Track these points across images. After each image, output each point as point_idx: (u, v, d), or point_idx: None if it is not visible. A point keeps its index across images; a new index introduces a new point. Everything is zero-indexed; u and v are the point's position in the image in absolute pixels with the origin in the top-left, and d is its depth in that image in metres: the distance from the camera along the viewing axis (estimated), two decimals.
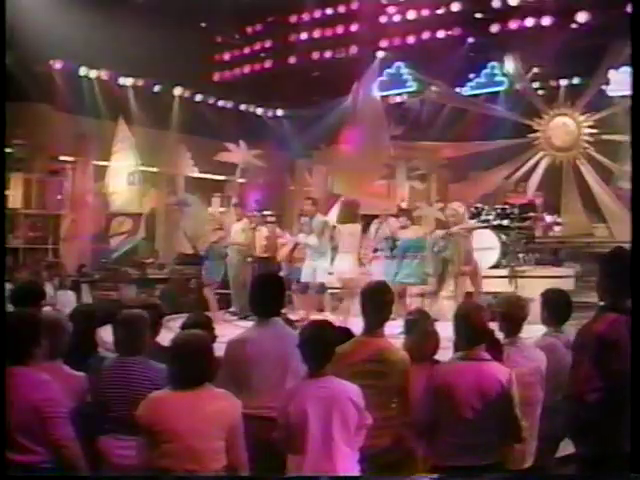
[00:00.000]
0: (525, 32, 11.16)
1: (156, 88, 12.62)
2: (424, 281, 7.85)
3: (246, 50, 13.41)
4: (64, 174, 11.58)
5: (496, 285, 8.24)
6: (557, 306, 3.93)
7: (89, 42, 10.16)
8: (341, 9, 12.26)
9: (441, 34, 11.85)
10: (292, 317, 6.57)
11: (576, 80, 12.55)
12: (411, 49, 12.32)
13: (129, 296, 9.93)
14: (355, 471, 2.99)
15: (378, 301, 3.46)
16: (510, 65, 12.61)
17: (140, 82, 12.32)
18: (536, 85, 12.96)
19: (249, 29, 13.37)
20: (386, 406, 3.28)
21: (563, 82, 12.69)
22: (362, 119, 13.03)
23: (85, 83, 11.65)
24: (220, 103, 13.80)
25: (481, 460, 3.09)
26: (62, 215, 11.39)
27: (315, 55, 12.84)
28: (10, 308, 3.89)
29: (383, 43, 12.67)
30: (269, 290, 3.51)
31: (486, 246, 9.07)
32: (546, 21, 10.94)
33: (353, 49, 12.66)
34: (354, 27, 12.42)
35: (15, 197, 10.91)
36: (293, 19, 12.87)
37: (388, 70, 13.32)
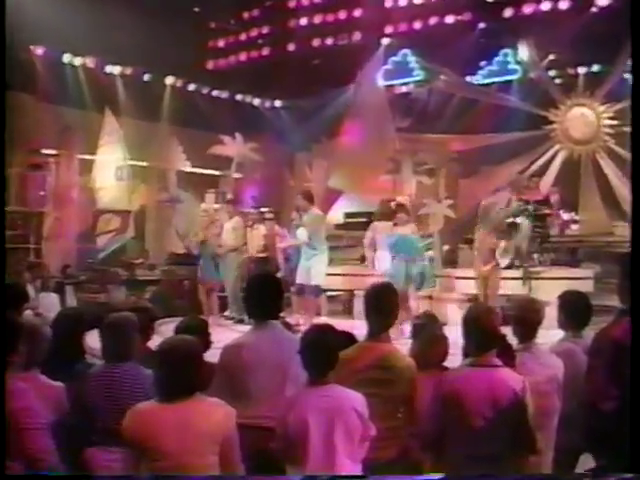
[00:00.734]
0: (541, 16, 11.16)
1: (146, 77, 12.64)
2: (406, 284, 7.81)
3: (242, 37, 13.44)
4: (47, 168, 11.59)
5: (509, 287, 8.25)
6: (575, 310, 3.94)
7: (73, 26, 10.15)
8: None
9: (450, 19, 11.87)
10: (291, 321, 6.60)
11: (596, 67, 12.54)
12: (418, 35, 12.33)
13: (117, 299, 9.96)
14: None
15: (383, 304, 3.48)
16: (524, 52, 12.60)
17: (128, 70, 12.33)
18: (552, 73, 12.92)
19: (245, 14, 13.41)
20: (392, 416, 3.29)
21: (581, 70, 12.67)
22: (365, 110, 13.04)
23: (69, 71, 11.65)
24: (214, 93, 13.82)
25: (492, 473, 3.11)
26: (45, 212, 11.40)
27: (316, 42, 12.87)
28: None
29: (388, 29, 12.69)
30: (266, 292, 3.51)
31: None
32: (563, 4, 10.94)
33: (356, 35, 12.68)
34: (357, 12, 12.44)
35: None
36: (292, 3, 12.90)
37: (393, 58, 13.33)
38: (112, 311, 3.75)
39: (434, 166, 13.82)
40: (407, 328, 4.20)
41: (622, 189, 11.96)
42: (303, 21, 12.72)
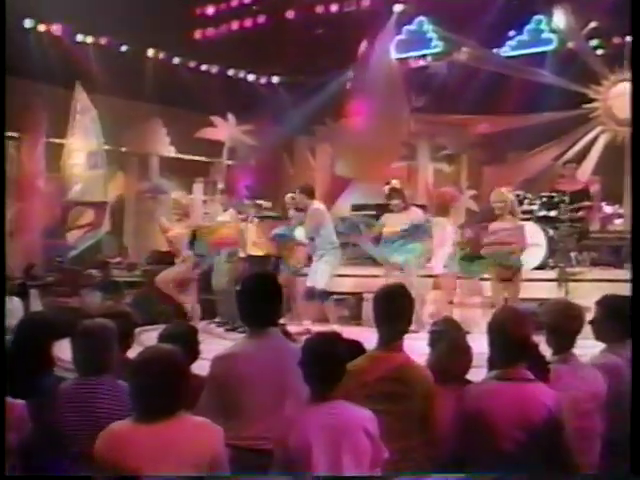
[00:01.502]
0: None
1: (123, 48, 12.66)
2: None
3: (234, 2, 13.44)
4: (7, 154, 11.64)
5: (542, 290, 8.27)
6: (619, 317, 3.94)
7: None
8: None
9: None
10: (292, 328, 6.63)
11: None
12: (436, 1, 12.34)
13: (91, 303, 9.99)
14: None
15: (395, 308, 3.50)
16: (560, 19, 12.57)
17: (103, 40, 12.36)
18: (594, 43, 12.89)
19: None
20: (407, 436, 3.30)
21: (627, 39, 12.66)
22: (376, 87, 13.08)
23: (33, 39, 11.64)
24: (203, 67, 13.88)
25: None
26: (6, 204, 11.44)
27: (319, 9, 12.86)
28: None
29: None
30: (263, 295, 3.52)
31: (529, 242, 9.08)
32: None
33: (365, 1, 12.68)
34: None
35: None
36: None
37: (408, 27, 13.35)
38: (85, 317, 3.77)
39: (454, 152, 13.86)
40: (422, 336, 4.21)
41: None
42: None
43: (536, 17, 12.98)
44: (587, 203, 10.32)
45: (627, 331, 3.89)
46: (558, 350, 3.68)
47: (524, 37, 13.19)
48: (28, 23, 11.61)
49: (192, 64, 13.73)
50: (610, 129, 12.58)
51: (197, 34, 13.62)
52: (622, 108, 12.43)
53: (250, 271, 8.37)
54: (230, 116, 13.65)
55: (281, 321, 5.78)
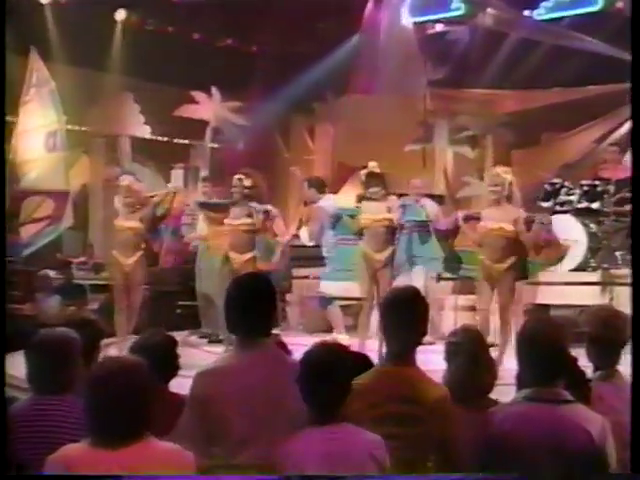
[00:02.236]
0: None
1: (88, 8, 12.63)
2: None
3: None
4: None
5: (582, 295, 8.29)
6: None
7: None
8: None
9: None
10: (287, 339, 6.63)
11: None
12: None
13: (50, 310, 10.01)
14: None
15: (407, 315, 3.51)
16: None
17: None
18: None
19: None
20: (420, 464, 3.32)
21: None
22: (386, 57, 13.08)
23: None
24: (183, 33, 13.84)
25: None
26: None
27: None
28: None
29: None
30: (255, 300, 3.53)
31: (566, 239, 9.11)
32: None
33: None
34: None
35: None
36: None
37: None
38: (43, 326, 3.77)
39: (478, 132, 13.85)
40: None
41: None
42: None
43: None
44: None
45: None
46: (601, 366, 3.69)
47: None
48: None
49: (170, 29, 13.72)
50: None
51: None
52: None
53: (238, 273, 8.43)
54: (214, 91, 13.66)
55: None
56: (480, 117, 13.68)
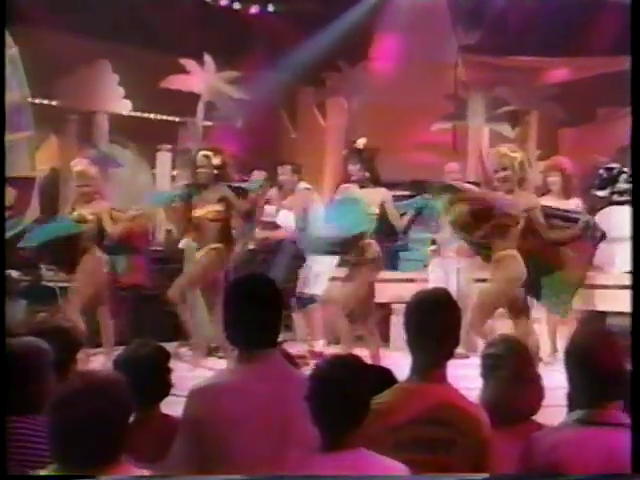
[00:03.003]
0: None
1: None
2: None
3: None
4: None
5: None
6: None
7: None
8: None
9: None
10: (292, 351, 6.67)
11: None
12: None
13: (13, 316, 10.04)
14: None
15: (436, 323, 3.52)
16: None
17: None
18: None
19: None
20: None
21: None
22: (409, 18, 13.07)
23: None
24: None
25: None
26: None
27: None
28: None
29: None
30: (257, 304, 3.56)
31: (620, 235, 9.10)
32: None
33: None
34: None
35: None
36: None
37: None
38: (7, 335, 3.82)
39: (520, 108, 13.81)
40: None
41: None
42: None
43: None
44: None
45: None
46: None
47: None
48: None
49: None
50: None
51: None
52: None
53: (238, 273, 8.50)
54: (208, 59, 13.62)
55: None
56: (522, 89, 13.64)
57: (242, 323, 3.56)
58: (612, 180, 10.48)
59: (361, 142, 8.95)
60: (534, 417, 3.91)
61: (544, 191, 9.52)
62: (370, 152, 8.83)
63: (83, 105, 13.24)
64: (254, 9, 14.67)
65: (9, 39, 11.65)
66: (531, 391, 3.92)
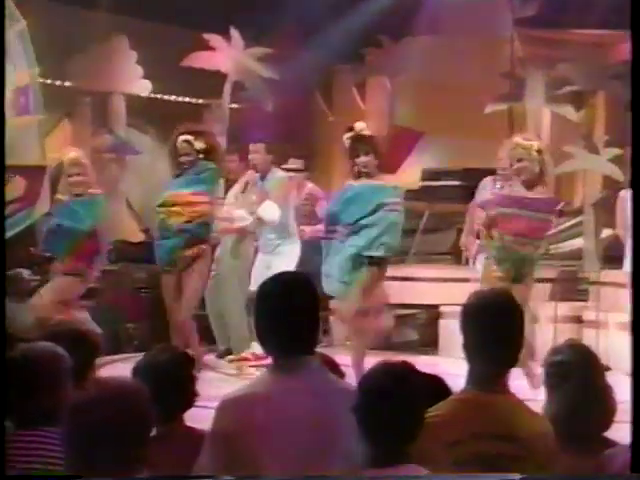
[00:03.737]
0: None
1: None
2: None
3: None
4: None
5: None
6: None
7: None
8: None
9: None
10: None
11: None
12: None
13: (26, 319, 10.08)
14: None
15: (499, 327, 3.52)
16: None
17: None
18: None
19: None
20: None
21: None
22: None
23: None
24: None
25: None
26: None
27: None
28: None
29: None
30: (295, 306, 3.56)
31: None
32: None
33: None
34: None
35: None
36: None
37: None
38: (17, 341, 3.83)
39: (585, 87, 13.72)
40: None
41: None
42: None
43: None
44: None
45: None
46: None
47: None
48: None
49: None
50: None
51: None
52: None
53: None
54: (235, 34, 13.61)
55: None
56: (587, 67, 13.54)
57: (276, 328, 3.55)
58: None
59: (362, 127, 8.82)
60: (605, 433, 3.86)
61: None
62: (375, 137, 8.74)
63: (98, 86, 13.28)
64: None
65: (16, 12, 11.70)
66: (602, 404, 3.87)
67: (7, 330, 9.51)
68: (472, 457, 3.33)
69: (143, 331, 10.12)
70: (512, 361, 3.55)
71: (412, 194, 12.26)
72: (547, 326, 8.86)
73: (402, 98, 14.28)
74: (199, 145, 8.40)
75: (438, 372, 4.00)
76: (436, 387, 3.75)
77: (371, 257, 8.01)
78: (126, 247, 12.03)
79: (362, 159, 8.23)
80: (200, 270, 8.41)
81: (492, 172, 9.28)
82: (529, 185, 7.43)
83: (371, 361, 3.77)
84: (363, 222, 8.08)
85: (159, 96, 13.62)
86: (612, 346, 8.59)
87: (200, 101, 14.00)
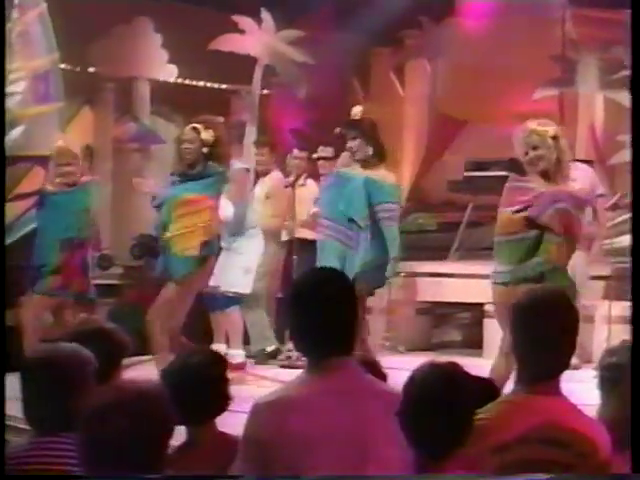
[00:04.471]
0: None
1: None
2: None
3: None
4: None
5: None
6: None
7: None
8: None
9: None
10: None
11: None
12: None
13: (40, 318, 10.12)
14: None
15: (551, 326, 3.53)
16: None
17: None
18: None
19: None
20: None
21: None
22: None
23: None
24: None
25: None
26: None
27: None
28: None
29: None
30: (331, 305, 3.57)
31: None
32: None
33: None
34: None
35: None
36: None
37: None
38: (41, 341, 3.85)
39: None
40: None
41: None
42: None
43: None
44: None
45: None
46: None
47: None
48: None
49: None
50: None
51: None
52: None
53: (304, 267, 8.50)
54: (266, 15, 13.64)
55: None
56: None
57: (311, 327, 3.57)
58: None
59: (357, 111, 8.80)
60: None
61: None
62: (370, 123, 8.70)
63: (120, 71, 13.32)
64: None
65: None
66: None
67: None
68: (519, 462, 3.34)
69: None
70: (564, 363, 3.55)
71: (455, 185, 12.28)
72: (601, 326, 8.84)
73: (443, 83, 14.23)
74: (206, 136, 8.26)
75: (483, 375, 4.01)
76: (485, 389, 3.75)
77: None
78: (150, 241, 12.06)
79: (349, 144, 8.32)
80: None
81: None
82: (544, 174, 7.30)
83: (413, 362, 3.75)
84: (360, 230, 8.29)
85: (185, 82, 13.64)
86: None
87: (229, 87, 14.00)
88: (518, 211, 7.01)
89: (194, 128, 8.28)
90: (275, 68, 13.90)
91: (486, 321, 9.86)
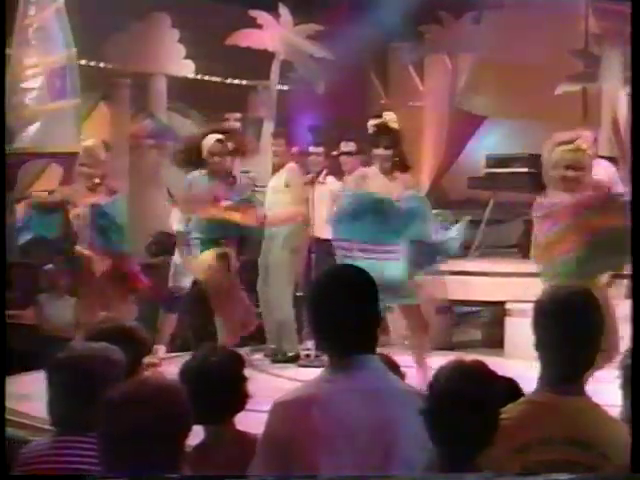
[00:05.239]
0: None
1: None
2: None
3: None
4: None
5: None
6: None
7: None
8: None
9: None
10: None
11: None
12: None
13: (59, 318, 10.15)
14: None
15: (576, 325, 3.52)
16: None
17: None
18: None
19: None
20: None
21: None
22: None
23: None
24: None
25: None
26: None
27: None
28: None
29: None
30: (353, 302, 3.56)
31: None
32: None
33: None
34: None
35: None
36: None
37: None
38: (48, 338, 3.85)
39: None
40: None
41: None
42: None
43: None
44: None
45: None
46: None
47: None
48: None
49: None
50: None
51: None
52: None
53: (323, 265, 8.51)
54: (284, 10, 13.65)
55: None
56: None
57: (333, 324, 3.56)
58: None
59: (390, 117, 8.75)
60: None
61: None
62: (400, 132, 8.67)
63: (137, 67, 13.34)
64: None
65: None
66: None
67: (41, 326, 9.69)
68: (542, 463, 3.33)
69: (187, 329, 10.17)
70: (589, 363, 3.54)
71: (475, 182, 12.26)
72: (624, 326, 8.81)
73: (463, 78, 14.21)
74: (230, 146, 8.58)
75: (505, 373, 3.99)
76: (509, 389, 3.75)
77: None
78: (167, 239, 12.07)
79: (381, 151, 8.24)
80: None
81: None
82: (573, 190, 7.24)
83: (434, 361, 3.75)
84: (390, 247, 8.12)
85: (203, 77, 13.65)
86: None
87: (246, 82, 14.00)
88: None
89: (220, 140, 8.55)
90: (293, 63, 13.90)
91: (507, 320, 9.85)
